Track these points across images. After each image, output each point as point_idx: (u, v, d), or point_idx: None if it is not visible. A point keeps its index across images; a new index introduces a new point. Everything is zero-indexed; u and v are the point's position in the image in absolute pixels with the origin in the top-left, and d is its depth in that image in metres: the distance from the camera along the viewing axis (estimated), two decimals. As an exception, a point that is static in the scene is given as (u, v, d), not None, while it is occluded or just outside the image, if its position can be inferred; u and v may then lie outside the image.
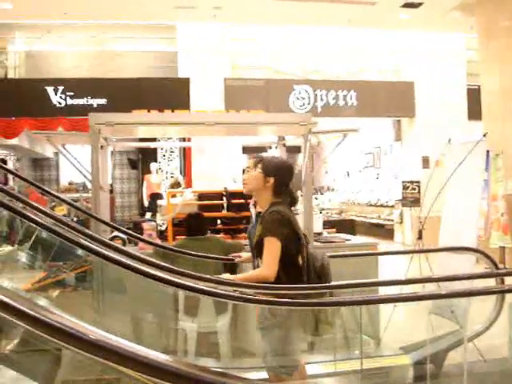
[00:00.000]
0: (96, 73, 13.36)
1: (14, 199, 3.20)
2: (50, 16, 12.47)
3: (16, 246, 7.04)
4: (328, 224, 8.53)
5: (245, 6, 11.83)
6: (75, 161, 6.00)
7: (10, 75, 13.98)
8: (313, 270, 3.43)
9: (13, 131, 12.70)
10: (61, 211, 9.80)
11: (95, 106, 12.51)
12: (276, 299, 3.21)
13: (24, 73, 14.25)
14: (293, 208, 3.67)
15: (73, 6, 11.71)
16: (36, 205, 3.47)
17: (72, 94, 12.59)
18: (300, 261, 3.42)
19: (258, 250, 3.41)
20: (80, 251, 3.86)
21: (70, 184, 18.11)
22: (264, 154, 4.06)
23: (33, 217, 3.05)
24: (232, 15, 12.34)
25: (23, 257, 6.77)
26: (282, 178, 3.54)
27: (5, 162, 15.59)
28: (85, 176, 5.83)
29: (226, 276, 3.55)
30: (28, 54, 14.58)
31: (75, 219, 9.52)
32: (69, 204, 5.67)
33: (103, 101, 12.67)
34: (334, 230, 7.65)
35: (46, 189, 5.43)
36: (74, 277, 4.66)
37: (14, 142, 13.62)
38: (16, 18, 12.79)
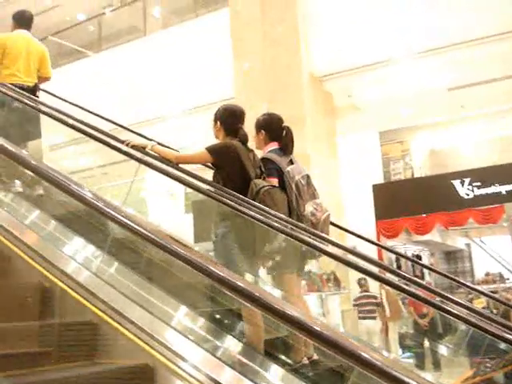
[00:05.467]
0: (500, 159, 13.02)
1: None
2: (448, 112, 12.86)
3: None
4: None
5: None
6: (492, 251, 5.83)
7: (416, 174, 14.70)
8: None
9: (425, 227, 13.15)
10: (480, 304, 9.52)
11: (504, 192, 12.08)
12: None
13: (429, 170, 14.83)
14: None
15: (469, 99, 11.88)
16: (454, 298, 3.44)
17: (479, 183, 12.46)
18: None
19: None
20: (504, 346, 3.65)
21: (486, 275, 17.57)
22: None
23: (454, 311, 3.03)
24: None
25: (444, 350, 6.74)
26: (225, 119, 3.96)
27: (420, 257, 16.13)
28: (504, 266, 5.59)
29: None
30: (431, 151, 15.19)
31: (495, 312, 9.10)
32: (487, 296, 5.48)
33: (514, 186, 12.16)
34: None
35: (461, 281, 5.39)
36: (503, 374, 4.38)
37: (426, 237, 14.07)
38: (416, 120, 13.59)
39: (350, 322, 9.34)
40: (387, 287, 7.43)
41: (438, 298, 3.49)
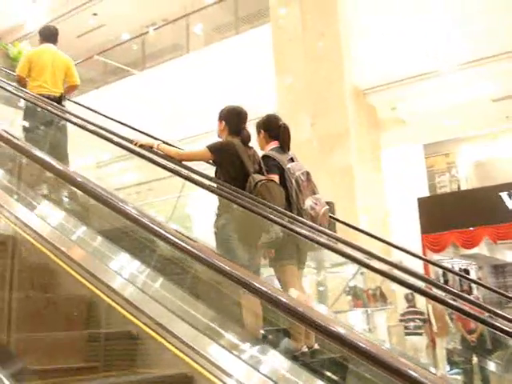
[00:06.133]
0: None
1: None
2: (493, 123, 12.63)
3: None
4: None
5: None
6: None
7: (463, 187, 14.45)
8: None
9: (472, 241, 12.89)
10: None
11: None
12: None
13: (475, 182, 14.55)
14: None
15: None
16: (503, 314, 3.37)
17: (527, 195, 12.19)
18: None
19: None
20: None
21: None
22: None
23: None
24: None
25: (493, 366, 6.58)
26: (230, 119, 4.19)
27: (467, 271, 15.80)
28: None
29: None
30: (477, 163, 14.91)
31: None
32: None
33: None
34: None
35: (511, 295, 5.26)
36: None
37: (473, 251, 13.77)
38: (461, 132, 13.38)
39: (397, 338, 9.20)
40: (434, 302, 7.32)
41: (486, 314, 3.42)
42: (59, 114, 5.30)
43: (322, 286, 6.25)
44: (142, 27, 16.65)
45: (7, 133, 2.90)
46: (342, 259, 4.41)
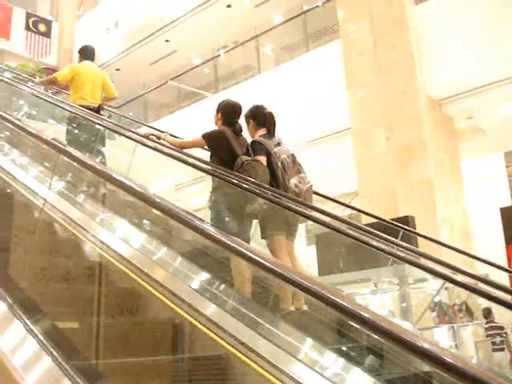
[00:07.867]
0: None
1: None
2: None
3: None
4: None
5: None
6: None
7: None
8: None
9: None
10: None
11: None
12: None
13: None
14: None
15: None
16: None
17: None
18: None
19: None
20: None
21: None
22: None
23: None
24: None
25: None
26: (225, 111, 4.79)
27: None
28: None
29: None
30: None
31: None
32: None
33: None
34: None
35: None
36: None
37: None
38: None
39: (484, 354, 8.85)
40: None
41: None
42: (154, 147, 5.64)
43: (405, 303, 6.11)
44: (213, 50, 17.00)
45: (91, 160, 3.02)
46: (425, 274, 4.31)
